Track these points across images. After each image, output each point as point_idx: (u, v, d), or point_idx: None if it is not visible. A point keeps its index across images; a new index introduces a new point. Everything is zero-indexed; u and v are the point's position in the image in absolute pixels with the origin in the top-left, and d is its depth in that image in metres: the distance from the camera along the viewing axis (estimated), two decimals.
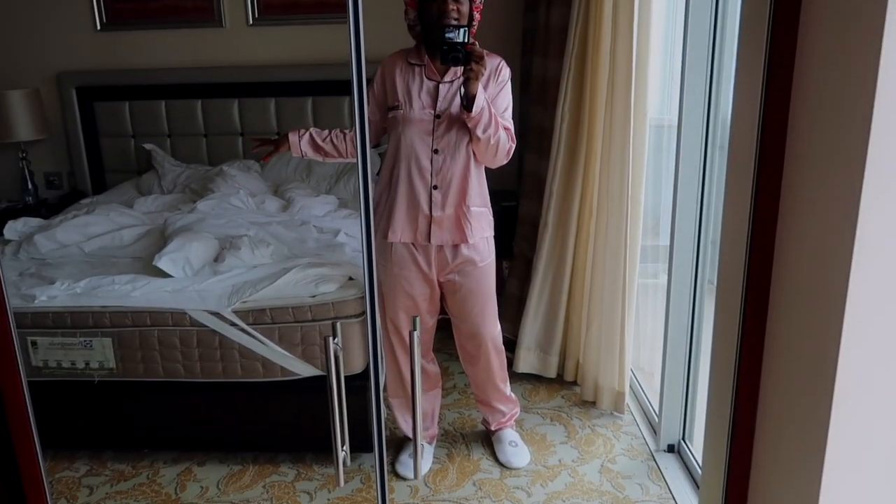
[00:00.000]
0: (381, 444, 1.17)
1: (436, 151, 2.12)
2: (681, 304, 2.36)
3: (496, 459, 2.45)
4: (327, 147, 2.24)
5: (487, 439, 2.57)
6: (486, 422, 2.57)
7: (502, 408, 2.50)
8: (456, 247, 2.20)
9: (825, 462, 0.96)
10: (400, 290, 2.25)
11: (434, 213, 2.15)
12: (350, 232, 2.83)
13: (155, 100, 3.81)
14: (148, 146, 3.80)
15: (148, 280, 2.41)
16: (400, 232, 2.18)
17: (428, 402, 2.46)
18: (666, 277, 2.44)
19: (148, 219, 3.03)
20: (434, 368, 2.45)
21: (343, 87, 3.80)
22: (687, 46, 2.18)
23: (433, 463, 2.46)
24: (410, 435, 2.45)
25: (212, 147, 3.88)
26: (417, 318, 1.16)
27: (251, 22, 3.72)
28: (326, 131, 2.25)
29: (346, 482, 2.35)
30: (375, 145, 2.39)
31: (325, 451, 2.49)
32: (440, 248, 2.20)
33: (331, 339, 1.10)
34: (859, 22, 0.84)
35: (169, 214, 2.96)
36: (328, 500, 2.28)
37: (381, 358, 2.54)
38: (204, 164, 3.83)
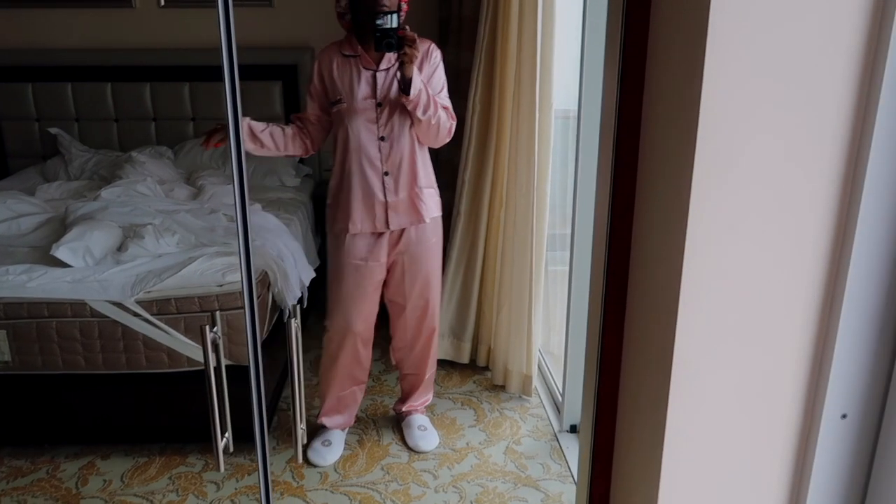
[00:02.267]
0: (263, 432, 1.19)
1: (382, 139, 2.16)
2: (582, 290, 2.46)
3: (405, 444, 2.50)
4: (265, 139, 2.19)
5: (398, 424, 2.61)
6: (397, 406, 2.61)
7: (424, 392, 2.55)
8: (406, 230, 2.26)
9: (666, 431, 1.04)
10: (353, 282, 2.27)
11: (389, 199, 2.19)
12: (262, 221, 2.81)
13: (60, 81, 3.67)
14: (53, 130, 3.65)
15: (45, 270, 2.34)
16: (360, 223, 2.21)
17: (358, 396, 2.51)
18: None
19: (50, 206, 2.93)
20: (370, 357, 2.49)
21: (263, 72, 3.79)
22: (585, 39, 2.25)
23: (344, 449, 2.48)
24: (328, 424, 2.48)
25: (123, 132, 3.76)
26: (297, 307, 1.18)
27: (163, 3, 3.61)
28: (264, 124, 2.21)
29: (255, 470, 2.35)
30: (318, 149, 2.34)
31: (234, 441, 2.48)
32: (394, 233, 2.26)
33: (207, 328, 1.11)
34: (689, 27, 0.91)
35: (71, 202, 2.87)
36: (236, 488, 2.28)
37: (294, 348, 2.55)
38: (115, 150, 3.71)
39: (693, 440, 1.02)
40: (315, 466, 2.39)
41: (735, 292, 0.95)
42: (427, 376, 2.53)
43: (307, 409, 2.52)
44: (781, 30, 0.87)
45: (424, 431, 2.52)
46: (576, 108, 2.65)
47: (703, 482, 1.05)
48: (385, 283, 2.37)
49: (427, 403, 2.61)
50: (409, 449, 2.48)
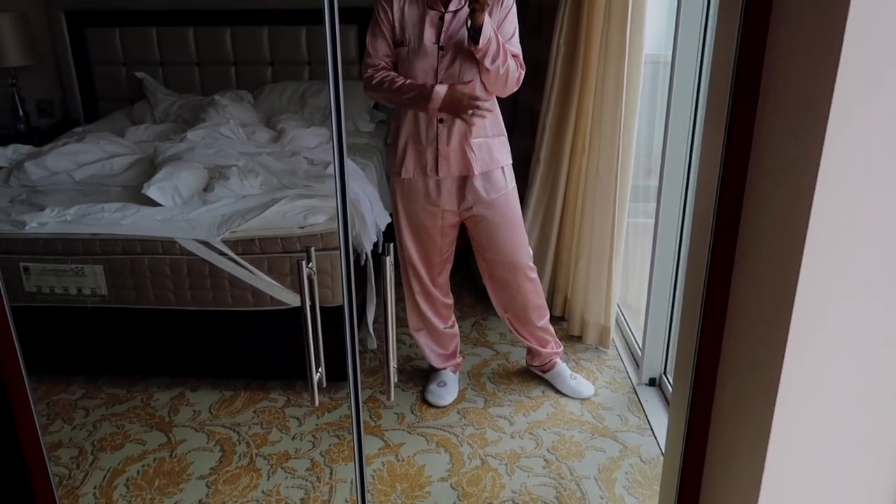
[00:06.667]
0: (356, 371, 1.20)
1: (440, 84, 2.09)
2: (667, 242, 2.38)
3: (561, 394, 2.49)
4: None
5: (472, 372, 2.63)
6: (530, 360, 2.58)
7: (548, 342, 2.51)
8: (466, 180, 2.19)
9: (778, 395, 0.99)
10: (413, 225, 2.27)
11: (440, 147, 2.14)
12: None
13: (146, 26, 3.74)
14: (139, 75, 3.75)
15: (137, 208, 2.42)
16: (411, 167, 2.18)
17: (450, 333, 2.51)
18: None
19: (139, 148, 3.02)
20: (450, 301, 2.48)
21: (343, 15, 3.76)
22: None
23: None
24: (437, 365, 2.51)
25: (205, 76, 3.82)
26: (391, 245, 1.18)
27: None
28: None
29: (335, 409, 2.42)
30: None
31: (322, 382, 2.56)
32: (455, 181, 2.20)
33: (304, 263, 1.12)
34: None
35: (159, 143, 2.95)
36: (317, 424, 2.36)
37: (379, 289, 2.58)
38: (197, 94, 3.78)
39: (809, 397, 0.97)
40: (435, 407, 2.43)
41: (868, 239, 0.88)
42: (540, 324, 2.46)
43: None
44: None
45: (576, 379, 2.51)
46: (666, 52, 2.52)
47: (817, 444, 1.00)
48: (472, 241, 2.35)
49: (560, 350, 2.55)
50: (567, 397, 2.47)
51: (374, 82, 2.13)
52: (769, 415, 1.02)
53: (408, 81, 2.09)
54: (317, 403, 1.24)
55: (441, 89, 2.06)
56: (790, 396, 0.99)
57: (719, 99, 1.11)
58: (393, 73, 2.12)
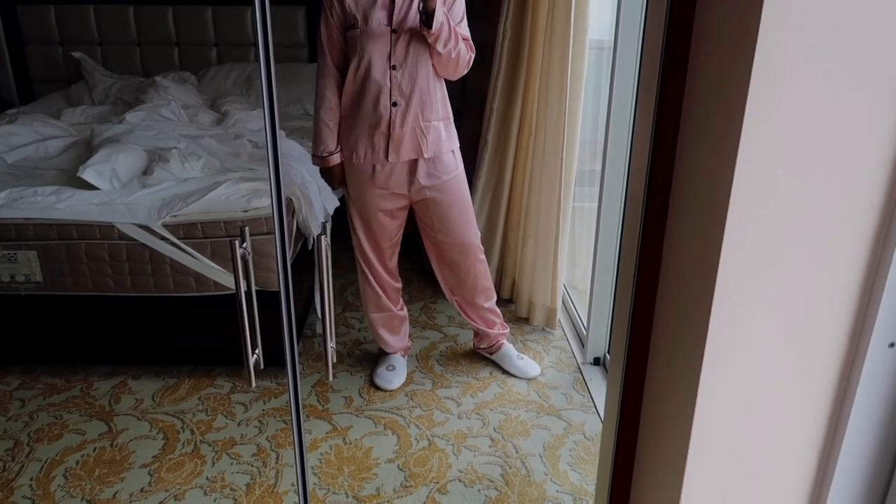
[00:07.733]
0: (293, 351, 1.19)
1: (394, 68, 2.08)
2: (611, 224, 2.42)
3: (509, 374, 2.51)
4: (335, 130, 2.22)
5: (420, 354, 2.64)
6: (477, 343, 2.60)
7: (495, 323, 2.53)
8: (417, 163, 2.19)
9: (703, 366, 1.02)
10: (364, 208, 2.25)
11: (393, 131, 2.13)
12: (286, 148, 2.78)
13: (82, 4, 3.61)
14: (77, 54, 3.62)
15: (73, 192, 2.34)
16: (362, 152, 2.16)
17: (400, 316, 2.51)
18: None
19: (75, 130, 2.92)
20: (399, 284, 2.48)
21: None
22: None
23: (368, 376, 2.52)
24: (387, 349, 2.51)
25: (146, 57, 3.72)
26: (328, 224, 1.17)
27: None
28: (330, 134, 2.20)
29: (281, 394, 2.40)
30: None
31: (259, 364, 2.53)
32: (406, 164, 2.19)
33: (237, 243, 1.10)
34: None
35: (97, 125, 2.86)
36: (263, 410, 2.33)
37: (326, 274, 2.55)
38: (138, 75, 3.68)
39: (732, 366, 1.00)
40: (383, 391, 2.43)
41: (785, 214, 0.91)
42: (487, 306, 2.48)
43: (335, 336, 2.54)
44: None
45: (523, 360, 2.53)
46: (610, 38, 2.56)
47: (740, 411, 1.04)
48: (421, 224, 2.35)
49: (507, 332, 2.57)
50: (514, 377, 2.50)
51: (320, 82, 2.16)
52: (695, 385, 1.05)
53: (322, 126, 2.17)
54: (253, 385, 1.23)
55: (333, 160, 2.19)
56: (714, 366, 1.03)
57: (650, 79, 1.13)
58: (331, 102, 2.15)
